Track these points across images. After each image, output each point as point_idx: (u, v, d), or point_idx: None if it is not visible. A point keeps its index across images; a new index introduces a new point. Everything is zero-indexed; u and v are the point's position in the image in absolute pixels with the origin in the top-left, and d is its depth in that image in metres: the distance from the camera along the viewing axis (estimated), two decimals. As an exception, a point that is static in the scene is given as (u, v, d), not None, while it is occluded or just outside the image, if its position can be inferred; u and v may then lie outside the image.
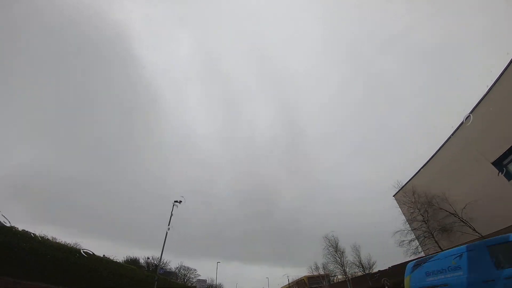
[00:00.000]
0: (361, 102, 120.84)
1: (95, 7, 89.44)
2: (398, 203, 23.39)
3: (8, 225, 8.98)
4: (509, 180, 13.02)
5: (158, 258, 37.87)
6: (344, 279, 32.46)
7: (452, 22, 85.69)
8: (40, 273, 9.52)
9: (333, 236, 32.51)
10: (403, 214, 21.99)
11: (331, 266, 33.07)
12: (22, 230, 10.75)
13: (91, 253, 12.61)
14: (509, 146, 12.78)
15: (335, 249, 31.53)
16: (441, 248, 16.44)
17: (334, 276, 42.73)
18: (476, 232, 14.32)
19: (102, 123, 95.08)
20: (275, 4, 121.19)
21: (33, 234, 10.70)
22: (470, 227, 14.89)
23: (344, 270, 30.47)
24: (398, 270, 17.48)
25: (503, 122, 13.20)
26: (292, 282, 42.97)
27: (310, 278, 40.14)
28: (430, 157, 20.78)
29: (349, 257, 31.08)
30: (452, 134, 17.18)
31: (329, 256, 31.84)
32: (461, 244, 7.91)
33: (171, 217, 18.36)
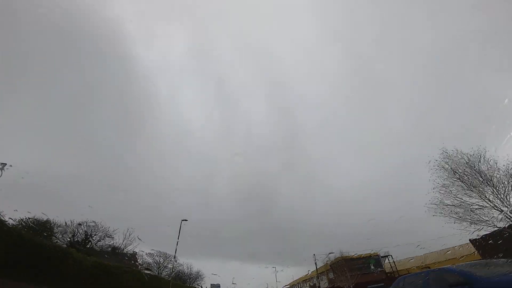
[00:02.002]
0: (361, 100, 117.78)
1: (86, 4, 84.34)
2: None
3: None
4: None
5: (96, 224, 22.82)
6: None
7: (453, 20, 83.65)
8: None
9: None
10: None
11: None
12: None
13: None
14: None
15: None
16: None
17: (386, 256, 26.54)
18: None
19: (96, 121, 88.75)
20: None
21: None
22: None
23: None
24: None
25: None
26: (322, 267, 26.86)
27: (350, 260, 23.89)
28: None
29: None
30: None
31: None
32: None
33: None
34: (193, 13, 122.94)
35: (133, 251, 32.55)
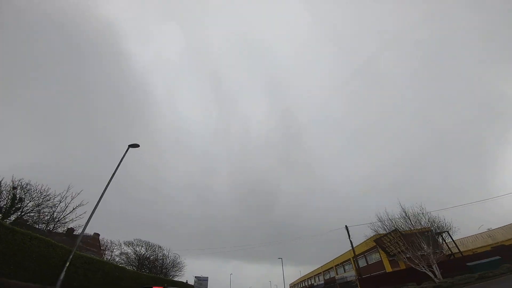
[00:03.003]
0: (360, 98, 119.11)
1: (83, 4, 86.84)
2: None
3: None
4: None
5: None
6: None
7: (451, 20, 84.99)
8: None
9: None
10: None
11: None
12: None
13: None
14: None
15: None
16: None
17: (441, 233, 19.71)
18: None
19: (93, 120, 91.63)
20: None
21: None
22: None
23: None
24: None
25: None
26: (374, 237, 19.33)
27: (400, 236, 16.74)
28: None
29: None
30: None
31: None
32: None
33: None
34: (189, 12, 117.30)
35: (94, 233, 24.84)
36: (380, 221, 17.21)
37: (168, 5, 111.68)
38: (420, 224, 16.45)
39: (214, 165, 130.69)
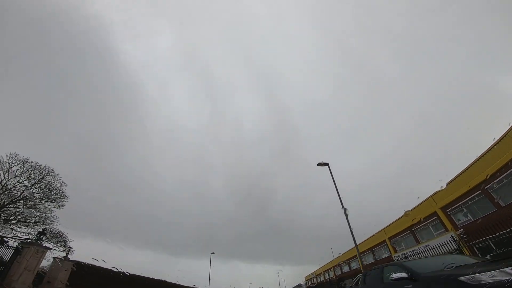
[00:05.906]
0: (361, 101, 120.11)
1: (72, 2, 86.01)
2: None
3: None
4: None
5: None
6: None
7: (453, 20, 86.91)
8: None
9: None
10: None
11: None
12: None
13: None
14: None
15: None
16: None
17: None
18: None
19: (80, 123, 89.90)
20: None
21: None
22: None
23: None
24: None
25: None
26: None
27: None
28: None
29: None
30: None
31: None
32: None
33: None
34: (179, 8, 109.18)
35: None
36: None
37: (158, 1, 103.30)
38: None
39: (209, 161, 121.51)
